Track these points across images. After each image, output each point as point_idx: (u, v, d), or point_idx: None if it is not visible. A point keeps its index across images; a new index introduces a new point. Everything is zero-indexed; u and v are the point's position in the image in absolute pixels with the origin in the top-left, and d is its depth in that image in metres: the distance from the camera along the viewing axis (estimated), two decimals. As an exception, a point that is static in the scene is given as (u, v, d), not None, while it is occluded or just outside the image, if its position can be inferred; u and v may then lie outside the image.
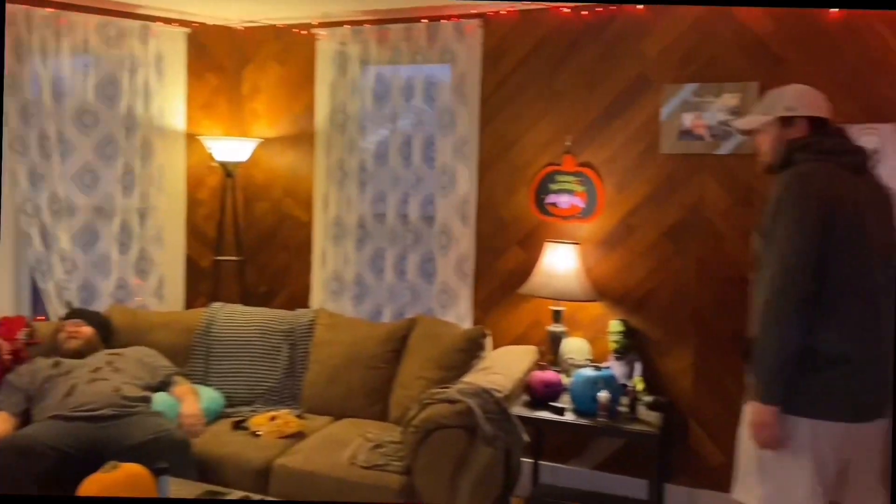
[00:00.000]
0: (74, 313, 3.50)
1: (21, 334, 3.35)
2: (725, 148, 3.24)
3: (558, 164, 3.52)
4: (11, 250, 3.68)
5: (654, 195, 3.39)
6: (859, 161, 2.15)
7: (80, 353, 3.26)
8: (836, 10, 3.05)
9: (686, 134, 3.30)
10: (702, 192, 3.31)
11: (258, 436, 3.08)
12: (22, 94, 3.52)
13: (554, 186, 3.53)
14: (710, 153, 3.27)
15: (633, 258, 3.43)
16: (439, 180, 3.67)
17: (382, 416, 3.33)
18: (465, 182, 3.65)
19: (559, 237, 3.47)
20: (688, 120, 3.29)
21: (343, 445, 2.96)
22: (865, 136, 3.02)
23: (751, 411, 2.09)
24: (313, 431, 3.14)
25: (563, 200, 3.51)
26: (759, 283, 2.11)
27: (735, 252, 3.25)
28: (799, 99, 2.19)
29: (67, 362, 3.19)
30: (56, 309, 3.65)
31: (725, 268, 3.28)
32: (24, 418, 3.06)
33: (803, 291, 1.98)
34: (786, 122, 2.17)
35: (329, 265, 3.92)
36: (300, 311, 3.71)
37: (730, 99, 3.21)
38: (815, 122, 2.16)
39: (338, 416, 3.34)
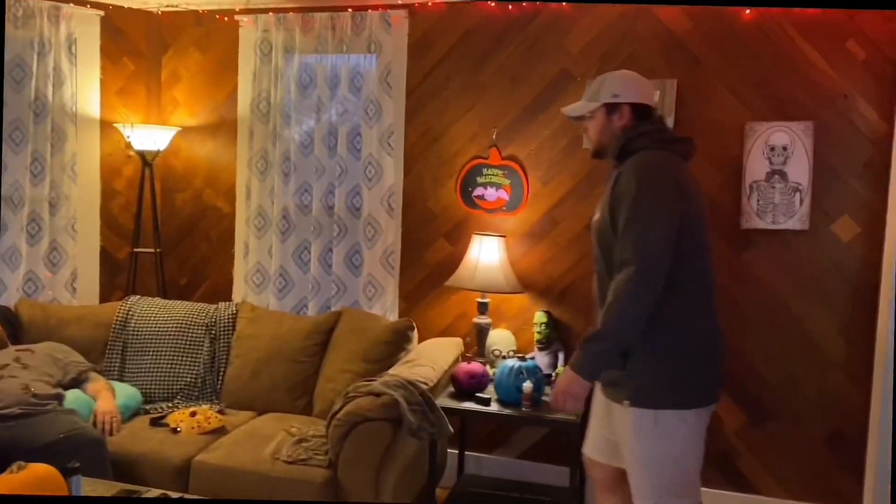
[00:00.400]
0: (-22, 308, 3.32)
1: (-81, 330, 3.16)
2: (645, 143, 3.32)
3: (485, 157, 3.55)
4: None
5: (578, 189, 3.45)
6: (689, 149, 2.21)
7: (-16, 350, 3.10)
8: (749, 10, 3.17)
9: (608, 129, 3.36)
10: (623, 185, 3.39)
11: (178, 432, 2.99)
12: (-82, 74, 3.31)
13: (480, 179, 3.55)
14: (630, 148, 3.34)
15: (557, 251, 3.49)
16: (365, 171, 3.64)
17: (307, 410, 3.29)
18: (392, 174, 3.63)
19: (486, 230, 3.49)
20: (610, 115, 3.35)
21: (266, 440, 2.92)
22: (777, 133, 3.16)
23: (566, 379, 2.07)
24: (235, 427, 3.08)
25: (490, 193, 3.54)
26: (603, 275, 2.12)
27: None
28: (623, 86, 2.20)
29: (-29, 359, 3.03)
30: (-42, 303, 3.45)
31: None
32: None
33: (662, 275, 1.98)
34: (611, 108, 2.19)
35: (252, 257, 3.84)
36: (222, 304, 3.62)
37: (650, 95, 3.29)
38: (638, 109, 2.19)
39: (261, 411, 3.29)
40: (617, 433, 2.18)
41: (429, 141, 3.65)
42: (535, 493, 3.34)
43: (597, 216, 2.19)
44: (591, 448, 2.35)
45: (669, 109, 3.25)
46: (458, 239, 3.60)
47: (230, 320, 3.51)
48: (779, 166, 3.18)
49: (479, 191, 3.56)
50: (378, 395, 2.73)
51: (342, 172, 3.68)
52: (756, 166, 3.19)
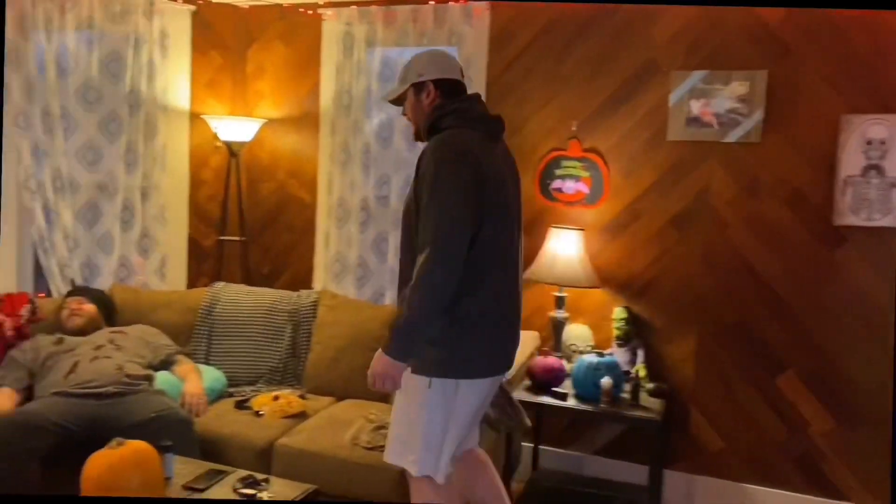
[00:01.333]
0: (77, 290, 3.49)
1: (24, 311, 3.34)
2: (733, 136, 3.23)
3: (564, 150, 3.51)
4: (14, 227, 3.66)
5: (660, 182, 3.38)
6: (497, 128, 2.25)
7: (82, 331, 3.26)
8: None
9: (694, 121, 3.29)
10: (708, 180, 3.31)
11: (261, 415, 3.08)
12: (26, 69, 3.49)
13: (559, 171, 3.52)
14: (717, 141, 3.26)
15: (638, 245, 3.43)
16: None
17: (384, 398, 3.32)
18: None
19: (563, 223, 3.46)
20: (696, 107, 3.27)
21: (345, 426, 2.97)
22: (875, 126, 3.02)
23: (380, 363, 2.10)
24: (316, 412, 3.15)
25: (569, 186, 3.51)
26: (406, 260, 2.17)
27: (740, 240, 3.26)
28: (427, 65, 2.24)
29: (70, 339, 3.19)
30: (58, 286, 3.64)
31: (729, 256, 3.28)
32: (27, 394, 3.06)
33: (461, 255, 2.01)
34: (418, 88, 2.23)
35: (332, 247, 3.92)
36: (303, 291, 3.70)
37: (738, 87, 3.20)
38: (445, 85, 2.22)
39: (340, 397, 3.35)
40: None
41: (507, 133, 3.57)
42: (612, 490, 3.31)
43: (407, 198, 2.21)
44: None
45: (760, 101, 3.16)
46: (534, 232, 3.57)
47: (311, 308, 3.58)
48: (876, 160, 3.04)
49: (557, 183, 3.53)
50: (456, 385, 2.73)
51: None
52: (851, 160, 3.06)
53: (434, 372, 2.15)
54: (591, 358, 3.07)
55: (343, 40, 3.80)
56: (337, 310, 3.55)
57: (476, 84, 3.60)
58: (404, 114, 2.34)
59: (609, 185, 3.45)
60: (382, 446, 2.78)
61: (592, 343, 3.40)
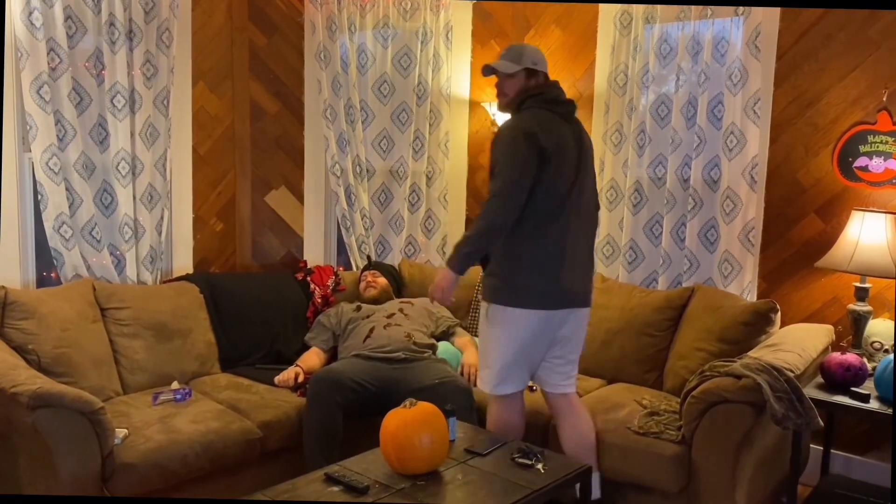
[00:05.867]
0: (372, 265, 3.89)
1: (330, 282, 3.81)
2: None
3: (871, 123, 3.13)
4: (322, 208, 4.17)
5: None
6: (569, 111, 2.77)
7: (376, 300, 3.63)
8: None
9: None
10: None
11: (533, 391, 3.17)
12: (333, 67, 3.94)
13: (864, 148, 3.14)
14: None
15: (964, 231, 2.95)
16: (726, 141, 3.45)
17: (656, 384, 3.26)
18: (756, 143, 3.39)
19: (868, 205, 3.09)
20: None
21: (617, 408, 2.97)
22: None
23: (439, 274, 2.73)
24: (587, 392, 3.18)
25: (876, 164, 3.12)
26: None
27: None
28: (539, 58, 2.77)
29: (366, 307, 3.57)
30: (357, 260, 4.08)
31: None
32: (332, 354, 3.49)
33: (515, 204, 2.55)
34: (530, 73, 2.74)
35: (602, 229, 3.89)
36: (574, 273, 3.73)
37: None
38: (545, 78, 2.78)
39: (610, 380, 3.35)
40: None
41: (801, 106, 3.33)
42: (918, 508, 2.90)
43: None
44: None
45: None
46: (832, 215, 3.24)
47: (582, 289, 3.60)
48: None
49: (862, 161, 3.16)
50: (738, 377, 2.59)
51: (700, 143, 3.53)
52: None
53: (493, 299, 2.69)
54: (900, 358, 2.71)
55: (620, 19, 3.73)
56: (608, 293, 3.53)
57: (765, 55, 3.34)
58: (497, 84, 2.79)
59: (928, 162, 3.01)
60: (655, 432, 2.76)
61: (902, 341, 3.01)
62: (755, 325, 3.05)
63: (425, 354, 3.29)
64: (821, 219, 3.29)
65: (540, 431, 2.97)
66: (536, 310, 2.64)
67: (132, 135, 3.42)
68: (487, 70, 2.81)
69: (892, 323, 3.07)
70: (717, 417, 2.58)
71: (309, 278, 3.80)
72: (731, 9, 3.40)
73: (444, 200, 4.20)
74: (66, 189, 3.25)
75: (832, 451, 3.22)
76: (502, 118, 4.00)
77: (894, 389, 2.64)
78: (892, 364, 2.70)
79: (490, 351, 2.75)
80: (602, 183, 3.88)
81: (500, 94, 2.80)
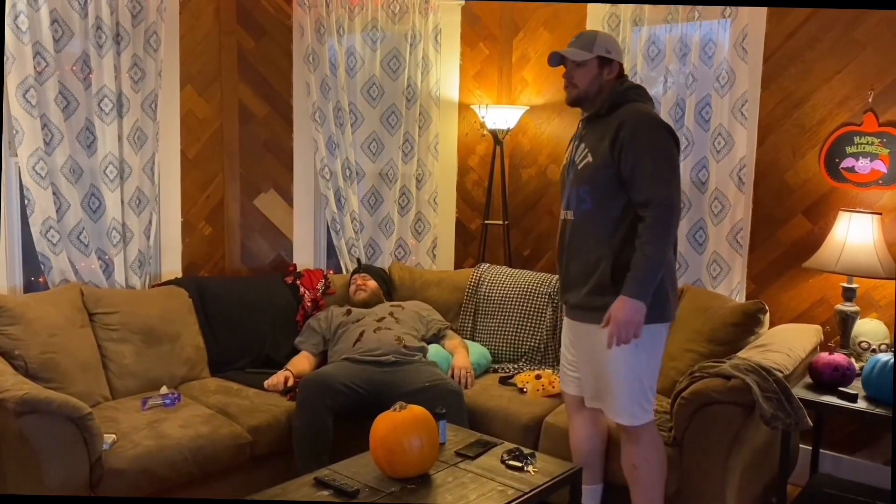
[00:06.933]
0: (362, 268, 3.88)
1: (320, 285, 3.80)
2: None
3: (857, 124, 3.15)
4: (312, 211, 4.16)
5: (982, 158, 2.90)
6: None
7: (366, 304, 3.62)
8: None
9: None
10: None
11: (524, 392, 3.19)
12: (322, 69, 3.93)
13: (851, 149, 3.16)
14: None
15: (950, 231, 2.98)
16: (714, 143, 3.46)
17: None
18: (743, 145, 3.41)
19: (855, 205, 3.11)
20: None
21: (607, 411, 2.96)
22: None
23: (627, 310, 2.27)
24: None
25: (862, 165, 3.14)
26: (574, 222, 2.47)
27: None
28: (613, 45, 2.48)
29: (357, 311, 3.56)
30: (347, 263, 4.07)
31: None
32: (322, 358, 3.48)
33: (680, 210, 2.37)
34: (604, 62, 2.45)
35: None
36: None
37: None
38: (620, 68, 2.50)
39: (600, 382, 3.34)
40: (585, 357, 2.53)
41: (788, 108, 3.35)
42: (907, 506, 2.92)
43: (587, 160, 2.42)
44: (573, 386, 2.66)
45: None
46: (819, 216, 3.26)
47: (572, 291, 3.61)
48: None
49: (848, 162, 3.18)
50: (728, 378, 2.60)
51: (688, 145, 3.54)
52: None
53: (655, 318, 2.35)
54: (888, 357, 2.73)
55: (608, 21, 3.75)
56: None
57: (752, 57, 3.36)
58: (565, 75, 2.52)
59: (913, 162, 3.03)
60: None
61: (889, 341, 3.03)
62: (744, 325, 3.06)
63: (415, 357, 3.29)
64: (808, 219, 3.31)
65: (531, 433, 2.97)
66: (671, 322, 2.48)
67: (120, 139, 3.40)
68: (555, 58, 2.52)
69: (880, 323, 3.10)
70: (707, 418, 2.59)
71: (298, 282, 3.79)
72: (718, 11, 3.42)
73: (434, 203, 4.19)
74: (54, 193, 3.23)
75: (821, 450, 3.23)
76: (492, 120, 4.02)
77: (894, 391, 2.63)
78: (879, 364, 2.71)
79: (644, 379, 2.45)
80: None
81: (570, 86, 2.49)
